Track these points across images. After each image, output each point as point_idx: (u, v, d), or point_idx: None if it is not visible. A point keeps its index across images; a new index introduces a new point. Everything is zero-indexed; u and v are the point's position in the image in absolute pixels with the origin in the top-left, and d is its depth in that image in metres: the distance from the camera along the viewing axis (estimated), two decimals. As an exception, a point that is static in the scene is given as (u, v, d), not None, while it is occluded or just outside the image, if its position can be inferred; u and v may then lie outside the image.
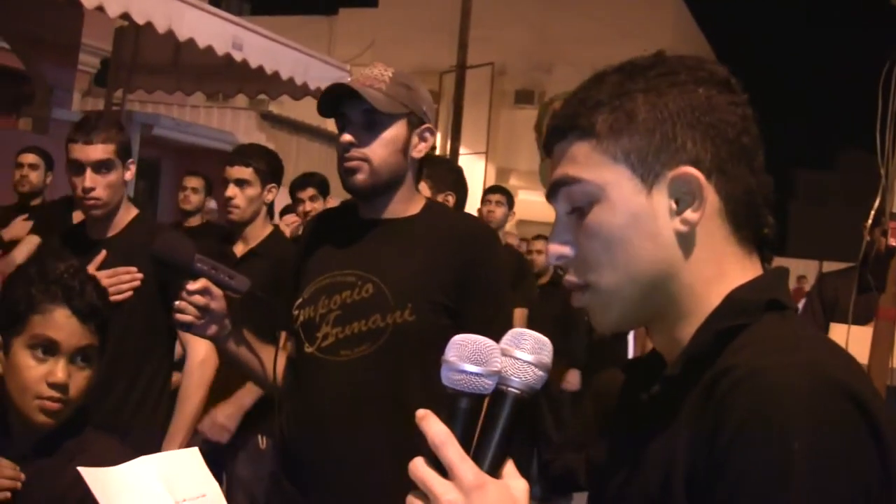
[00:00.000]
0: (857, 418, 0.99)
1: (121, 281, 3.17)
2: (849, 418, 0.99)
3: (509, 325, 2.42)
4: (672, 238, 1.16)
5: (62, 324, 2.19)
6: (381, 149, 2.45)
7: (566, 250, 1.22)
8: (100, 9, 6.45)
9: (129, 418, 3.21)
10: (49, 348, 2.18)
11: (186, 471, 2.14)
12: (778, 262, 1.27)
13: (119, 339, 3.10)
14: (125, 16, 6.84)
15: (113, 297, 3.04)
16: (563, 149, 1.22)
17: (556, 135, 1.24)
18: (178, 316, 2.38)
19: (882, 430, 1.00)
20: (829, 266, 17.64)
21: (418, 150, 2.52)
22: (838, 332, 4.21)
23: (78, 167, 3.18)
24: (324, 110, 2.52)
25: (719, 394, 1.03)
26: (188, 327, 2.40)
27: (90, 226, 3.33)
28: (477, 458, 1.04)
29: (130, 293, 3.17)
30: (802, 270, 23.23)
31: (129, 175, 3.30)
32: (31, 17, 8.95)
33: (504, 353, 1.07)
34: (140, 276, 3.21)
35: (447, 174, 4.39)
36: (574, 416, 3.14)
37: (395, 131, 2.46)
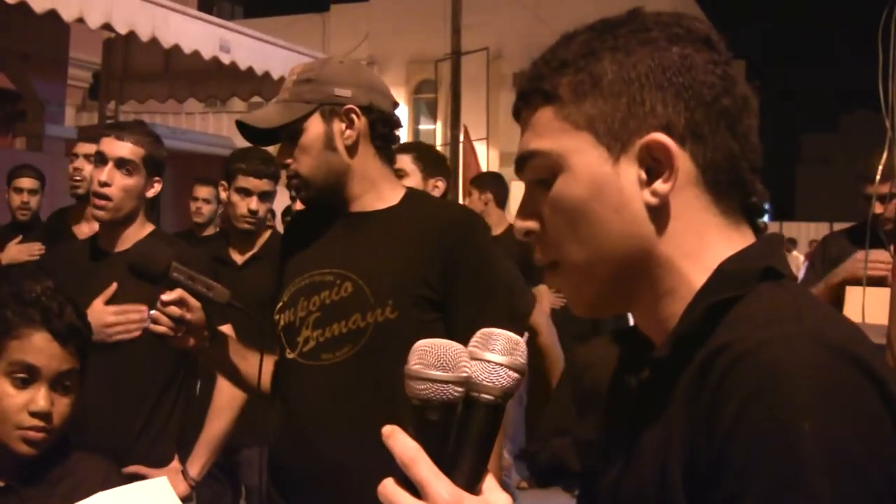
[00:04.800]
0: (868, 386, 0.90)
1: (129, 320, 3.03)
2: (860, 388, 0.90)
3: (502, 314, 2.32)
4: (642, 211, 1.06)
5: (42, 348, 2.04)
6: (304, 157, 2.37)
7: (532, 224, 1.14)
8: (80, 20, 6.39)
9: (136, 438, 3.07)
10: (29, 375, 2.03)
11: (156, 502, 2.04)
12: (788, 227, 1.16)
13: (126, 357, 3.02)
14: (107, 26, 6.78)
15: (118, 337, 2.99)
16: (527, 116, 1.15)
17: (521, 100, 1.16)
18: (152, 327, 2.26)
19: (892, 395, 0.91)
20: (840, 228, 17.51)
21: (348, 136, 2.38)
22: (854, 295, 4.09)
23: (101, 159, 3.12)
24: (264, 143, 2.60)
25: (716, 373, 0.93)
26: (164, 339, 2.30)
27: (102, 237, 3.23)
28: (451, 474, 0.93)
29: (138, 333, 3.04)
30: (814, 234, 23.07)
31: (152, 192, 3.21)
32: (15, 34, 8.87)
33: (473, 357, 0.97)
34: (146, 314, 3.00)
35: (437, 159, 4.12)
36: (552, 399, 2.95)
37: (311, 133, 2.36)
